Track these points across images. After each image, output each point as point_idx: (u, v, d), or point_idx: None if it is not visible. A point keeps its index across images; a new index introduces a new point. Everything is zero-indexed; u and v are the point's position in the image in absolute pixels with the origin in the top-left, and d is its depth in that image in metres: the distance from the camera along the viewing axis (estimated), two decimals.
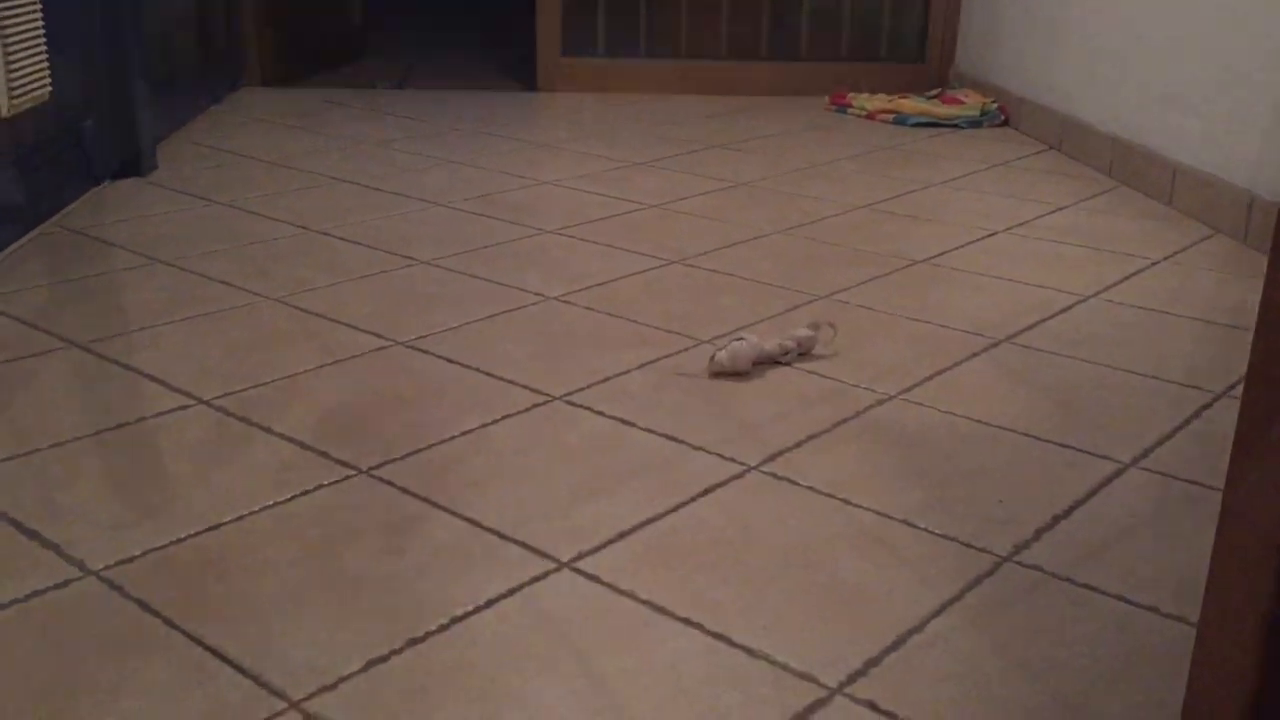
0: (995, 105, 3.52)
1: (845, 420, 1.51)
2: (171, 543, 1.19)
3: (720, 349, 1.63)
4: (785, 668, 1.03)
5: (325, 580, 1.14)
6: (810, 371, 1.66)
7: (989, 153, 3.16)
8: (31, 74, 2.13)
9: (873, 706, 0.98)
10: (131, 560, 1.16)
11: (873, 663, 1.04)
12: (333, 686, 0.99)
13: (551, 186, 2.69)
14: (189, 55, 3.32)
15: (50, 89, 2.23)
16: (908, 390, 1.61)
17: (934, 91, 3.80)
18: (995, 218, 2.50)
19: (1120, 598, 1.14)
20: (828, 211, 2.52)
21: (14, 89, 2.06)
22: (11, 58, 2.04)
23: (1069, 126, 3.09)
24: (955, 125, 3.49)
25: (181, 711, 0.95)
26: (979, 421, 1.52)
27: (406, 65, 4.52)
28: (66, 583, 1.12)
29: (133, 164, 2.68)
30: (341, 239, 2.24)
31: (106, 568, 1.14)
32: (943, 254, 2.23)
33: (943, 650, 1.06)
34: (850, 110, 3.68)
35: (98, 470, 1.34)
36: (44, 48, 2.18)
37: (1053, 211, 2.54)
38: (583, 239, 2.28)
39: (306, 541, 1.20)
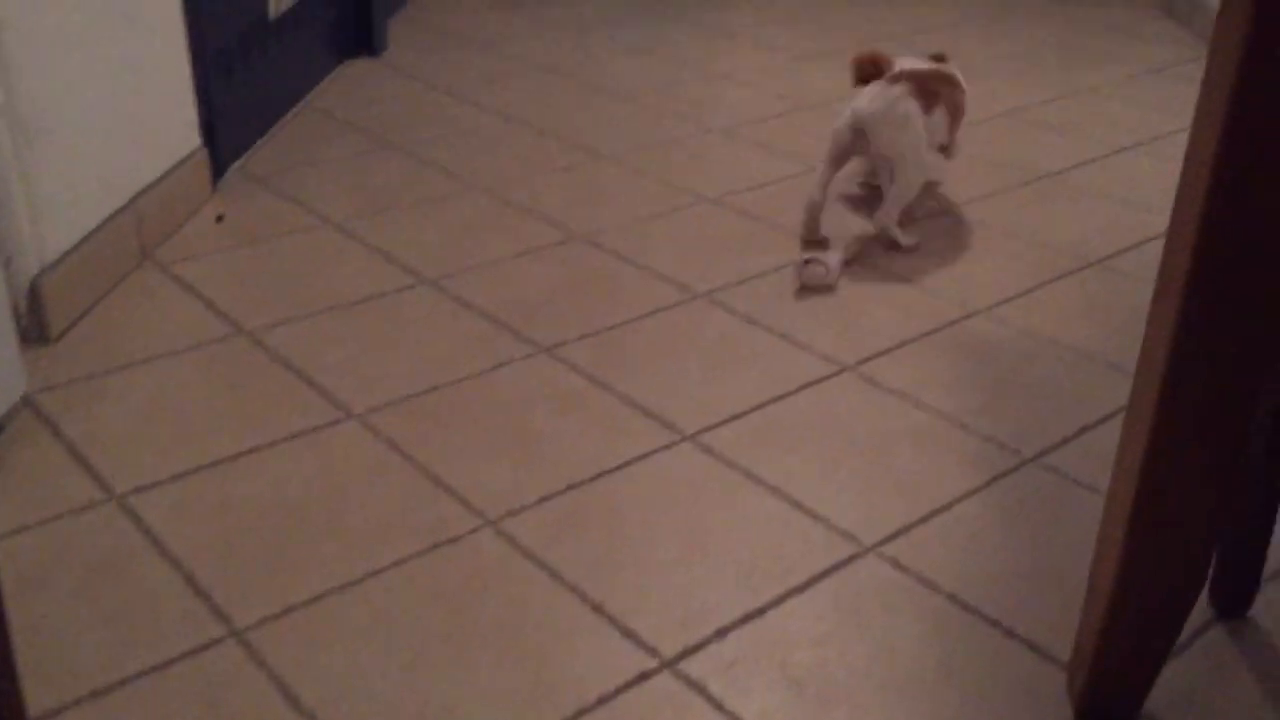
0: None
1: (933, 331, 1.84)
2: (406, 397, 1.64)
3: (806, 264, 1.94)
4: (836, 528, 1.40)
5: (513, 434, 1.57)
6: (912, 284, 1.97)
7: (1151, 56, 3.26)
8: None
9: (895, 563, 1.35)
10: (379, 409, 1.62)
11: (903, 531, 1.40)
12: (517, 512, 1.42)
13: (724, 80, 2.99)
14: None
15: None
16: (994, 307, 1.91)
17: None
18: (1133, 131, 2.68)
19: None
20: (972, 116, 2.75)
21: None
22: None
23: None
24: None
25: (409, 523, 1.40)
26: (1048, 339, 1.81)
27: None
28: (335, 422, 1.59)
29: (367, 44, 3.11)
30: (539, 131, 2.62)
31: (363, 413, 1.60)
32: (1068, 169, 2.46)
33: (960, 526, 1.41)
34: None
35: (350, 335, 1.80)
36: None
37: (1186, 129, 2.69)
38: (746, 139, 2.59)
39: (501, 403, 1.63)
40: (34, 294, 1.68)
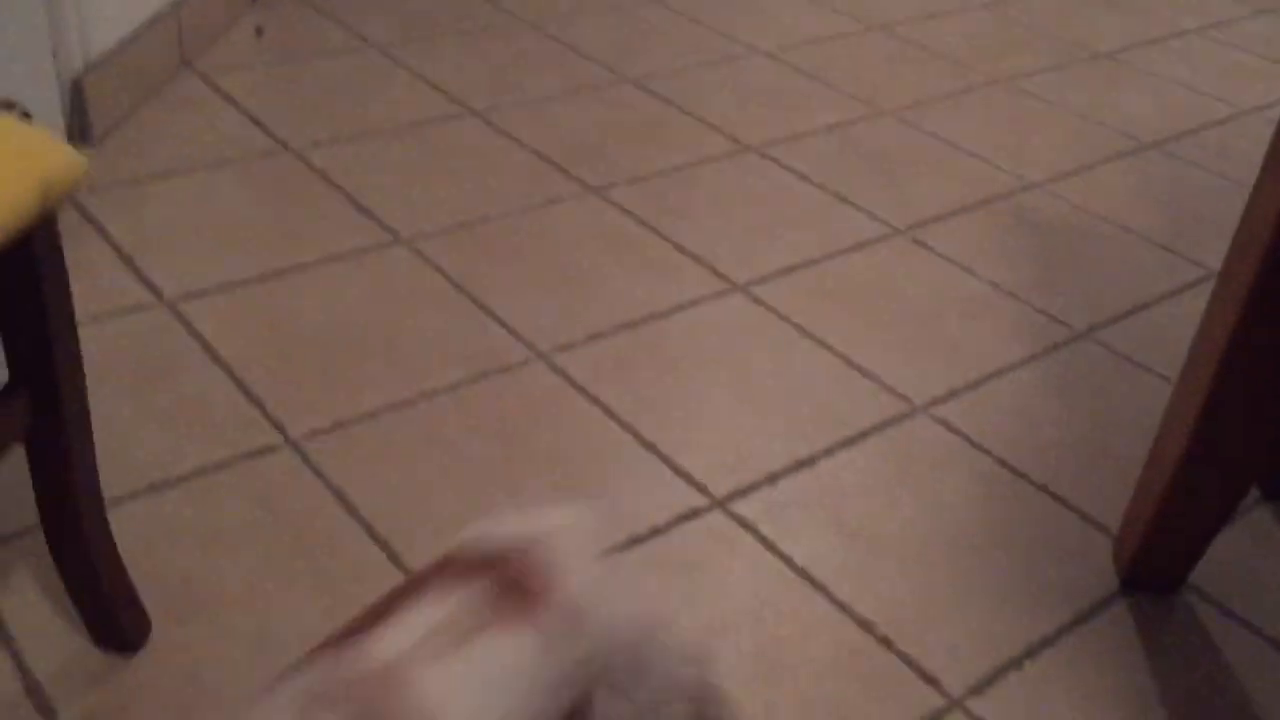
0: None
1: (989, 201, 1.81)
2: (455, 226, 1.62)
3: None
4: (887, 386, 1.40)
5: (562, 271, 1.55)
6: (967, 153, 1.94)
7: None
8: None
9: (945, 424, 1.36)
10: (428, 236, 1.59)
11: (954, 394, 1.40)
12: (567, 348, 1.41)
13: None
14: None
15: None
16: (1051, 181, 1.88)
17: None
18: (1194, 13, 2.60)
19: (1164, 376, 1.46)
20: None
21: None
22: None
23: None
24: None
25: (460, 350, 1.39)
26: (1102, 217, 1.79)
27: None
28: (385, 245, 1.56)
29: None
30: None
31: (413, 238, 1.58)
32: (1126, 49, 2.40)
33: (1010, 393, 1.41)
34: None
35: (397, 160, 1.76)
36: None
37: (1252, 15, 2.63)
38: None
39: (550, 240, 1.61)
40: (77, 91, 1.64)
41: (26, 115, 1.26)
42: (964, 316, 1.54)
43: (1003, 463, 1.31)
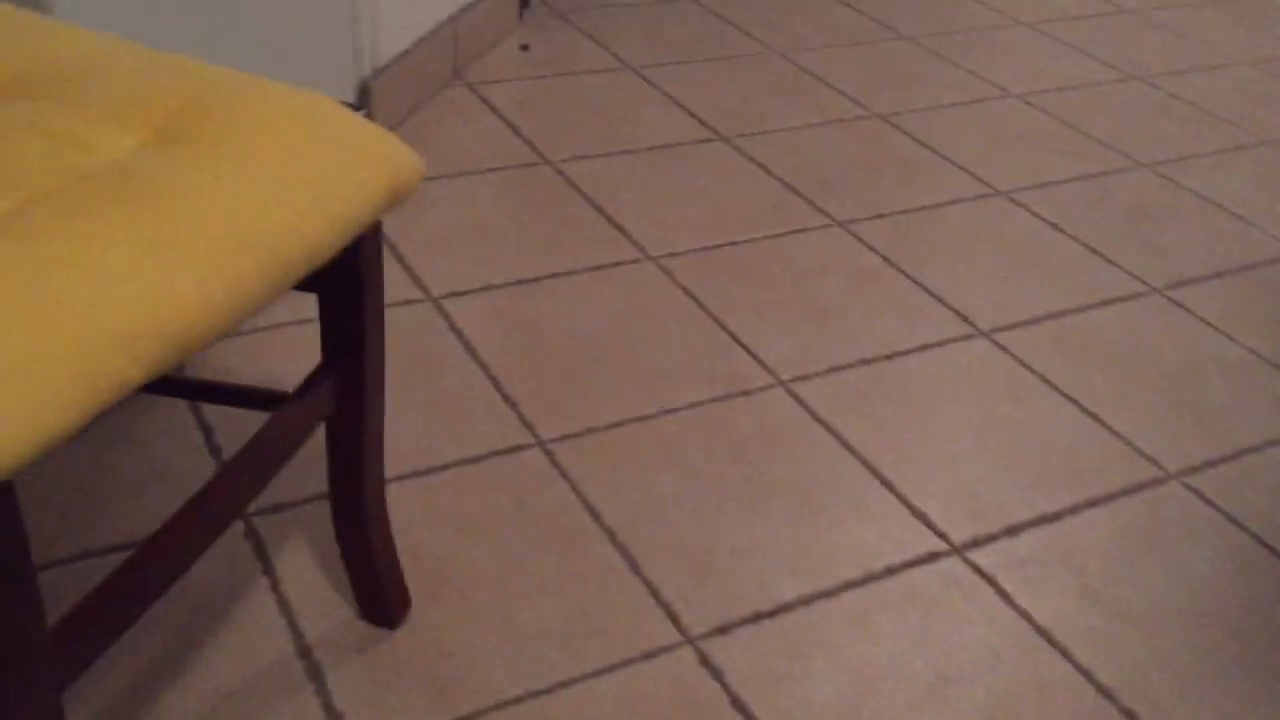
0: None
1: (1253, 266, 1.73)
2: (702, 248, 1.65)
3: None
4: (1137, 449, 1.36)
5: (805, 301, 1.56)
6: (1226, 211, 1.85)
7: None
8: None
9: (1199, 494, 1.30)
10: (676, 255, 1.63)
11: (1210, 464, 1.35)
12: (808, 377, 1.43)
13: None
14: None
15: None
16: None
17: None
18: None
19: None
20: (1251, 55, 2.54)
21: None
22: None
23: None
24: None
25: (702, 369, 1.42)
26: None
27: None
28: (634, 261, 1.61)
29: None
30: (840, 1, 2.55)
31: (660, 256, 1.62)
32: None
33: (1270, 469, 1.35)
34: None
35: (649, 178, 1.81)
36: None
37: None
38: (1053, 36, 2.46)
39: (794, 269, 1.63)
40: (363, 94, 1.75)
41: (369, 119, 1.37)
42: (1223, 383, 1.48)
43: (1260, 541, 1.25)
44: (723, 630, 1.09)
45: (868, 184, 1.85)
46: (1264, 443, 1.39)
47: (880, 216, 1.77)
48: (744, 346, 1.47)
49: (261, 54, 1.56)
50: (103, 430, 1.22)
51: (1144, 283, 1.67)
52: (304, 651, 1.02)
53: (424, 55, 1.90)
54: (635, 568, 1.14)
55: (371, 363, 0.91)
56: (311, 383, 0.88)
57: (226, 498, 0.79)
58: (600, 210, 1.71)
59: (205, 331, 0.61)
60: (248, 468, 0.81)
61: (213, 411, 1.26)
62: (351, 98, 1.56)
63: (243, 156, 0.69)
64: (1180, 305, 1.62)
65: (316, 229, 0.67)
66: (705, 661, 1.06)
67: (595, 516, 1.19)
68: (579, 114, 1.97)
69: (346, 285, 0.87)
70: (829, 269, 1.64)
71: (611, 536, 1.17)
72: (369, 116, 1.76)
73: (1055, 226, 1.78)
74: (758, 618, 1.11)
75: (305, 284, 0.90)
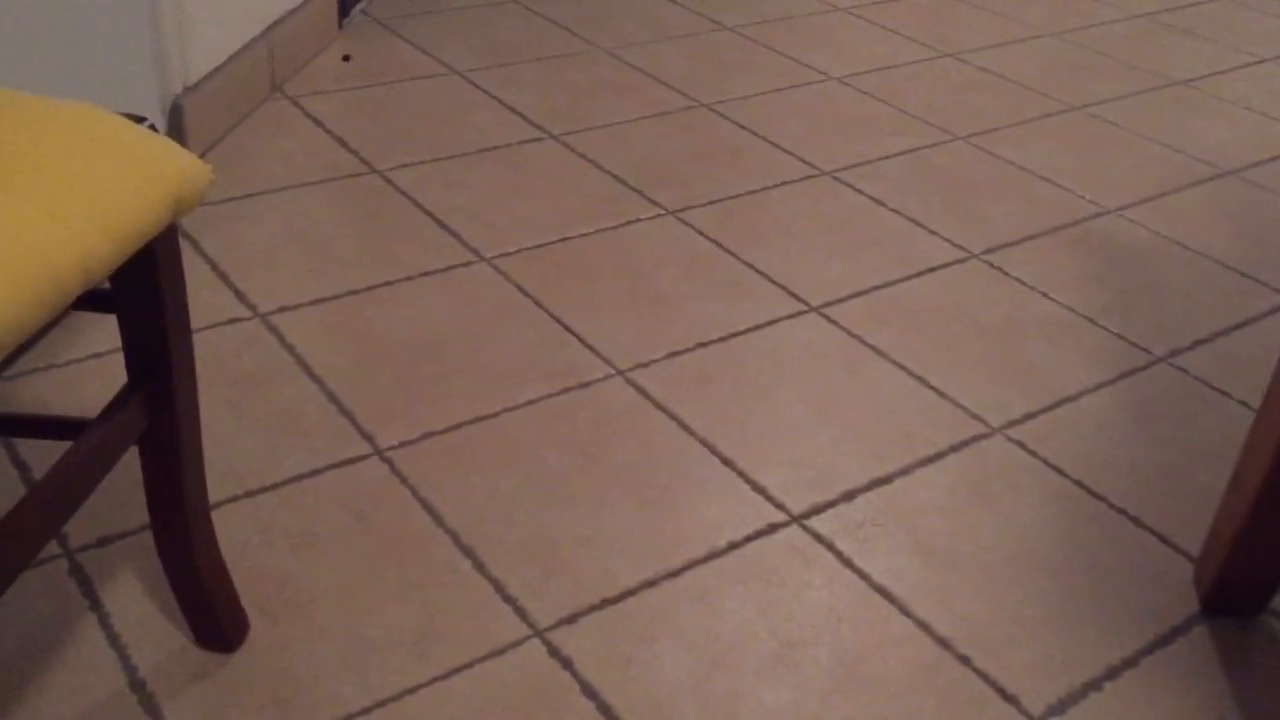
0: None
1: (1063, 226, 1.81)
2: (535, 246, 1.65)
3: None
4: (963, 408, 1.41)
5: (640, 291, 1.58)
6: (1042, 178, 1.94)
7: None
8: None
9: (1022, 446, 1.36)
10: (509, 255, 1.63)
11: (1030, 416, 1.41)
12: (646, 365, 1.44)
13: None
14: None
15: None
16: (1126, 208, 1.88)
17: None
18: (1271, 41, 2.59)
19: (1244, 403, 1.46)
20: (1107, 16, 2.67)
21: None
22: None
23: None
24: None
25: (541, 366, 1.42)
26: (1179, 244, 1.79)
27: None
28: (468, 264, 1.60)
29: None
30: None
31: (494, 257, 1.62)
32: (1203, 77, 2.39)
33: (1088, 417, 1.41)
34: None
35: (479, 181, 1.80)
36: None
37: None
38: (869, 20, 2.53)
39: (628, 260, 1.64)
40: (175, 113, 1.70)
41: (154, 129, 1.32)
42: (1040, 340, 1.54)
43: (1081, 485, 1.31)
44: (570, 620, 1.09)
45: (697, 172, 1.88)
46: (1079, 392, 1.45)
47: (711, 203, 1.80)
48: (581, 340, 1.47)
49: (54, 76, 1.51)
50: None
51: (964, 249, 1.73)
52: (137, 685, 0.99)
53: (239, 70, 1.86)
54: (481, 567, 1.14)
55: (180, 380, 0.89)
56: (117, 404, 0.86)
57: (29, 528, 0.76)
58: (431, 215, 1.70)
59: None
60: (51, 496, 0.78)
61: (28, 448, 1.21)
62: (161, 117, 1.52)
63: (2, 172, 0.66)
64: (998, 268, 1.69)
65: (91, 242, 0.65)
66: (554, 652, 1.06)
67: (438, 520, 1.19)
68: (405, 121, 1.96)
69: (145, 302, 0.85)
70: (663, 258, 1.66)
71: (455, 539, 1.17)
72: (181, 137, 1.71)
73: (878, 201, 1.84)
74: (604, 604, 1.11)
75: (103, 304, 0.87)
